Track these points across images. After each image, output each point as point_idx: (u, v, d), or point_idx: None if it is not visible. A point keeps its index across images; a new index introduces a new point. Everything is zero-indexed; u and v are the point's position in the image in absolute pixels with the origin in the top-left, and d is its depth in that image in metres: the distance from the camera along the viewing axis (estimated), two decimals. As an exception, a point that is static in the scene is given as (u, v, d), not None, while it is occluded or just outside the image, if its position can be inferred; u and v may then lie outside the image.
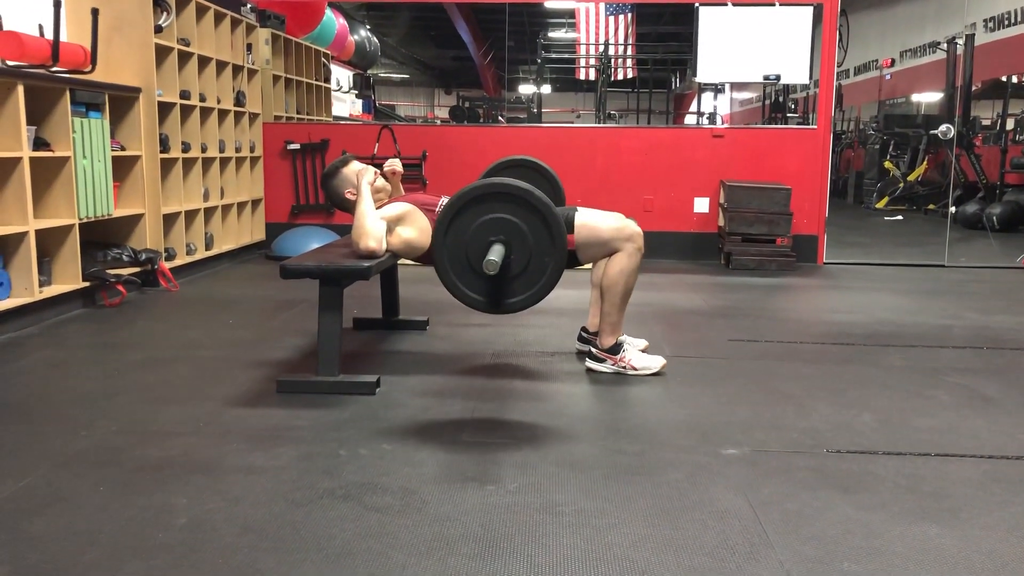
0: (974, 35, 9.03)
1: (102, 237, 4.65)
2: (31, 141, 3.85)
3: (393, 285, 3.91)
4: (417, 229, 3.12)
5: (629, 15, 14.50)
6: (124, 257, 4.57)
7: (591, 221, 3.10)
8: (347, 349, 3.32)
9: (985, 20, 9.66)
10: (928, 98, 12.46)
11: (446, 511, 1.98)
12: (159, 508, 1.98)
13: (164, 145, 4.97)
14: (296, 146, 6.50)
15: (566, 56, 17.13)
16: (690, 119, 17.58)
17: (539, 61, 13.77)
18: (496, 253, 2.45)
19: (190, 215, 5.31)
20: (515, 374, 3.22)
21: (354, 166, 3.29)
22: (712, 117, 8.73)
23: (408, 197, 3.23)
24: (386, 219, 3.09)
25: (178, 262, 5.10)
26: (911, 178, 10.58)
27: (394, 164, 3.45)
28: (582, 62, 15.75)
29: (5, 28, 4.01)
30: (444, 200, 3.19)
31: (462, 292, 2.64)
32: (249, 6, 6.48)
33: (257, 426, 2.56)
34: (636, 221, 3.19)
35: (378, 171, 3.30)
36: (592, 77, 15.22)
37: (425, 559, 1.75)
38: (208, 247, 5.56)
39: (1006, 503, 2.07)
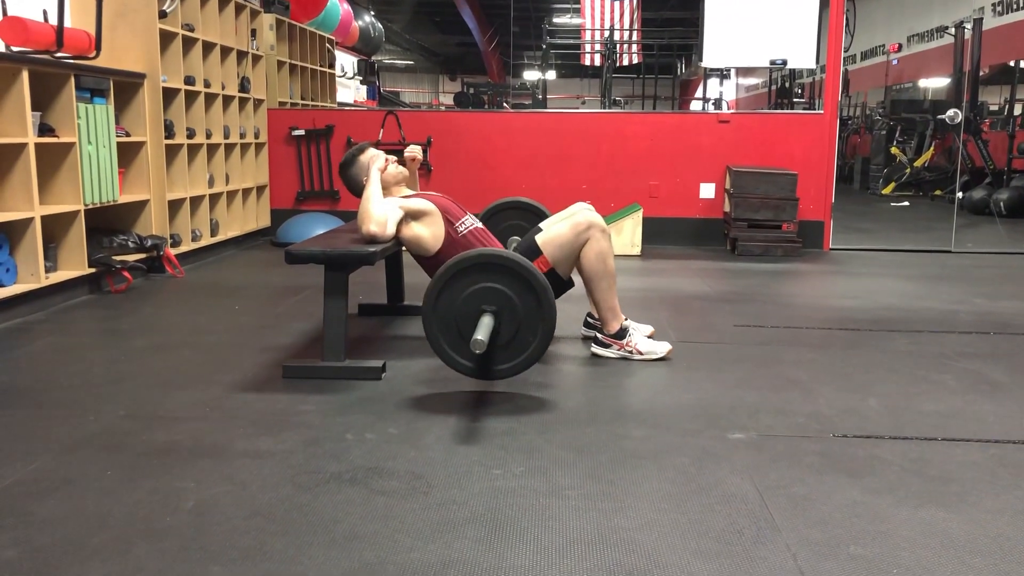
0: (982, 19, 8.96)
1: (107, 223, 4.66)
2: (36, 127, 3.84)
3: (398, 271, 3.91)
4: (431, 233, 3.12)
5: (634, 0, 14.42)
6: (130, 243, 4.58)
7: (550, 235, 3.12)
8: (352, 334, 3.33)
9: (993, 4, 9.59)
10: (935, 83, 12.39)
11: (452, 495, 1.99)
12: (166, 492, 1.99)
13: (169, 131, 4.97)
14: (301, 132, 6.49)
15: (571, 42, 17.06)
16: (696, 105, 17.52)
17: (544, 47, 13.71)
18: (483, 331, 2.47)
19: (195, 201, 5.31)
20: (521, 359, 3.21)
21: (369, 152, 3.29)
22: (718, 103, 8.69)
23: (437, 200, 3.21)
24: (407, 210, 3.08)
25: (183, 248, 5.10)
26: (918, 164, 10.53)
27: (415, 151, 3.47)
28: (587, 48, 15.68)
29: (10, 13, 4.00)
30: (468, 219, 3.20)
31: (451, 359, 2.68)
32: (253, -9, 6.46)
33: (264, 411, 2.57)
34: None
35: (391, 157, 3.30)
36: (597, 63, 15.15)
37: (431, 542, 1.76)
38: (213, 233, 5.56)
39: (1012, 487, 2.06)
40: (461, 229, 3.15)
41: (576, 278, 3.23)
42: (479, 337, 2.43)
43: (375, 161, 3.20)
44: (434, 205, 3.15)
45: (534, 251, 3.10)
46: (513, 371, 2.69)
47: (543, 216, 3.67)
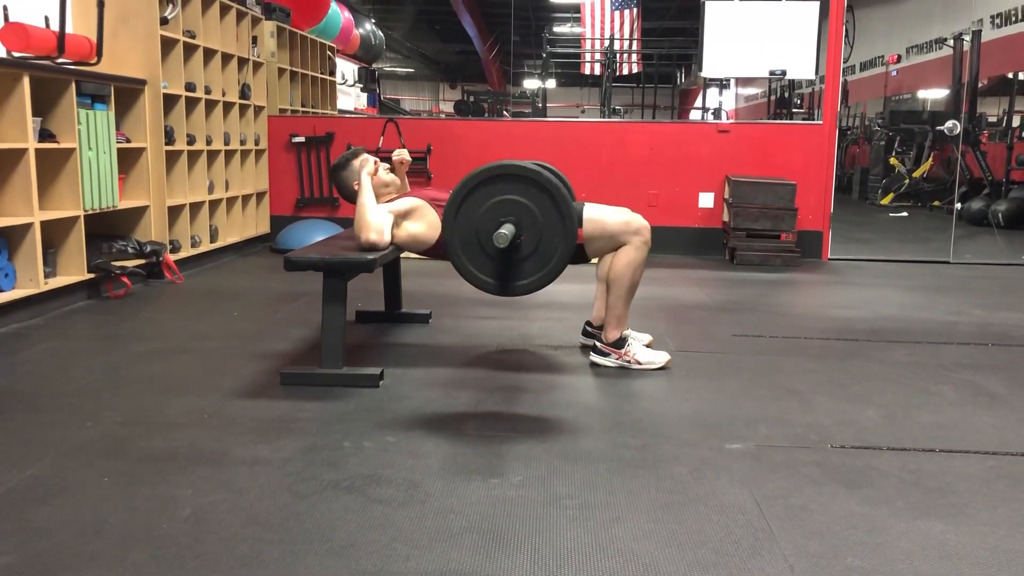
0: (981, 31, 8.99)
1: (107, 229, 4.65)
2: (37, 132, 3.85)
3: (396, 278, 3.91)
4: (425, 224, 3.12)
5: (635, 10, 14.46)
6: (129, 249, 4.58)
7: (599, 215, 3.10)
8: (350, 342, 3.32)
9: (992, 16, 9.62)
10: (934, 94, 12.42)
11: (450, 504, 1.99)
12: (164, 499, 1.99)
13: (169, 137, 4.97)
14: (301, 139, 6.49)
15: (571, 51, 17.09)
16: (695, 114, 17.55)
17: (544, 56, 13.74)
18: (507, 229, 2.45)
19: (195, 207, 5.31)
20: (519, 367, 3.22)
21: (365, 158, 3.29)
22: (717, 112, 8.71)
23: (419, 192, 3.24)
24: (394, 213, 3.09)
25: (183, 254, 5.10)
26: (916, 174, 10.54)
27: (402, 154, 3.46)
28: (587, 57, 15.71)
29: (11, 19, 4.01)
30: None
31: (472, 274, 2.64)
32: (254, -1, 6.48)
33: (261, 418, 2.56)
34: (643, 216, 3.20)
35: (378, 161, 3.29)
36: (597, 72, 15.18)
37: (428, 551, 1.76)
38: (213, 240, 5.56)
39: (1011, 499, 2.06)
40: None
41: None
42: (503, 231, 2.40)
43: (364, 166, 3.20)
44: (418, 198, 3.16)
45: (576, 220, 3.05)
46: (532, 287, 2.64)
47: (560, 179, 3.62)
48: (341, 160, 3.32)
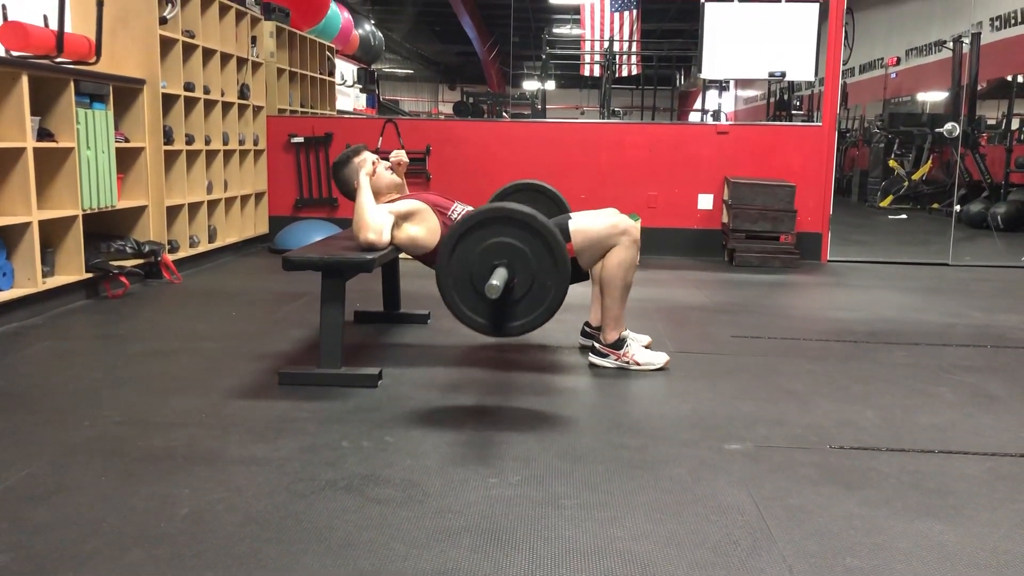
0: (980, 34, 9.00)
1: (105, 229, 4.65)
2: (35, 132, 3.84)
3: (394, 278, 3.91)
4: (426, 228, 3.12)
5: (634, 11, 14.47)
6: (127, 249, 4.57)
7: (584, 225, 3.10)
8: (349, 342, 3.32)
9: (991, 19, 9.63)
10: (933, 97, 12.43)
11: (448, 503, 1.98)
12: (162, 498, 1.98)
13: (168, 137, 4.97)
14: (300, 139, 6.49)
15: (571, 52, 17.10)
16: (694, 116, 17.56)
17: (544, 57, 13.74)
18: (498, 277, 2.47)
19: (193, 208, 5.31)
20: (518, 368, 3.22)
21: (365, 156, 3.28)
22: (716, 114, 8.72)
23: (424, 196, 3.22)
24: (396, 213, 3.09)
25: (181, 254, 5.10)
26: (915, 177, 10.55)
27: (400, 155, 3.45)
28: (587, 58, 15.72)
29: (10, 18, 4.01)
30: (458, 205, 3.21)
31: (465, 315, 2.67)
32: (254, -1, 6.47)
33: (260, 418, 2.56)
34: (638, 215, 3.20)
35: (377, 160, 3.28)
36: (597, 74, 15.19)
37: (427, 551, 1.75)
38: (211, 240, 5.56)
39: (1009, 500, 2.06)
40: (455, 216, 3.14)
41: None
42: (494, 282, 2.41)
43: (362, 166, 3.20)
44: (422, 202, 3.16)
45: (564, 235, 3.05)
46: (525, 328, 2.66)
47: (559, 201, 3.64)
48: (342, 158, 3.31)
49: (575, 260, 3.07)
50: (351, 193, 3.24)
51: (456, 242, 2.61)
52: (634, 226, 3.12)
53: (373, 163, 3.24)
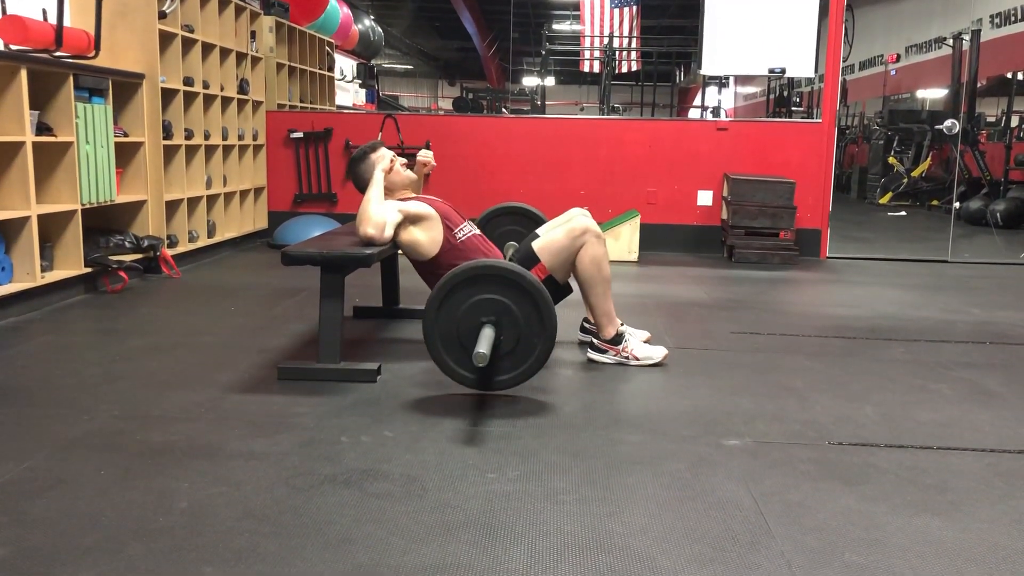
0: (980, 31, 9.00)
1: (104, 223, 4.65)
2: (34, 126, 3.84)
3: (394, 274, 3.91)
4: (430, 237, 3.12)
5: (634, 8, 14.44)
6: (126, 243, 4.57)
7: (547, 242, 3.12)
8: (348, 337, 3.32)
9: (991, 16, 9.62)
10: (933, 94, 12.42)
11: (447, 498, 1.98)
12: (160, 492, 1.98)
13: (167, 132, 4.96)
14: (299, 134, 6.48)
15: (570, 48, 17.08)
16: (694, 112, 17.54)
17: (543, 53, 13.73)
18: (485, 343, 2.47)
19: (192, 202, 5.30)
20: (517, 364, 3.21)
21: (379, 152, 3.27)
22: (716, 111, 8.72)
23: (437, 204, 3.21)
24: (406, 213, 3.08)
25: (180, 249, 5.10)
26: (915, 174, 10.55)
27: (427, 156, 3.46)
28: (586, 54, 15.70)
29: (9, 12, 4.00)
30: (466, 225, 3.21)
31: (452, 369, 2.69)
32: (253, -7, 6.46)
33: (259, 412, 2.56)
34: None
35: (395, 158, 3.28)
36: (596, 70, 15.17)
37: (426, 545, 1.75)
38: (210, 235, 5.55)
39: (1008, 496, 2.06)
40: (460, 235, 3.15)
41: (573, 284, 3.23)
42: (481, 350, 2.43)
43: (380, 162, 3.20)
44: (434, 210, 3.15)
45: (531, 258, 3.10)
46: (514, 381, 2.70)
47: (540, 221, 3.66)
48: (359, 153, 3.30)
49: (551, 278, 3.09)
50: (365, 188, 3.22)
51: (444, 297, 2.64)
52: (592, 223, 3.13)
53: (391, 160, 3.24)
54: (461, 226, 3.19)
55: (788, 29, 6.16)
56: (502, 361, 2.66)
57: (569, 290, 3.23)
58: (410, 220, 3.11)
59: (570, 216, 3.23)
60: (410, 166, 3.40)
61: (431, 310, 2.64)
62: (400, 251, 3.25)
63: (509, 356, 2.66)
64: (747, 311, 4.27)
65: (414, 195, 3.35)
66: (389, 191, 3.22)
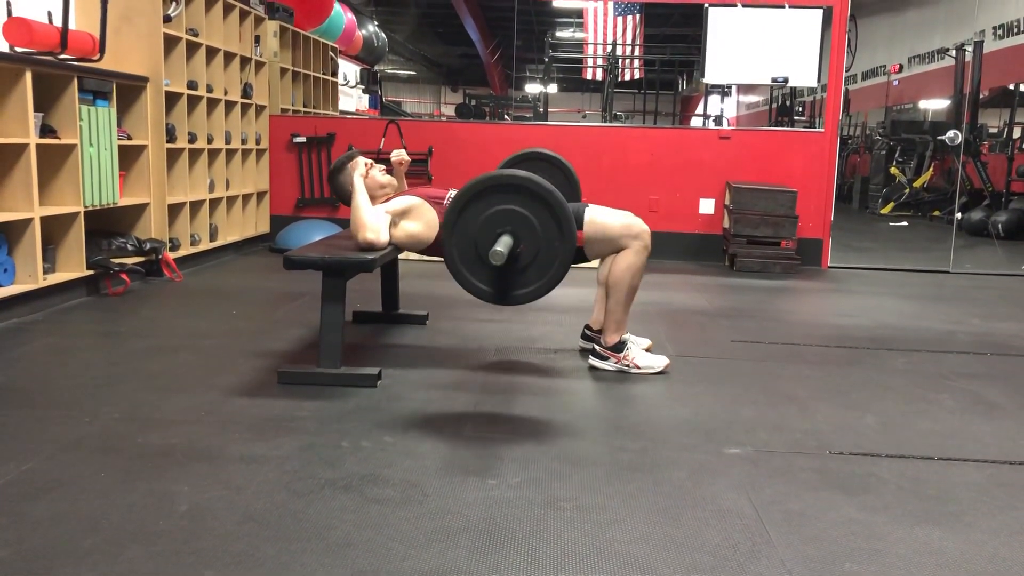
0: (983, 42, 9.01)
1: (107, 226, 4.65)
2: (38, 128, 3.84)
3: (394, 279, 3.91)
4: (423, 222, 3.12)
5: (637, 16, 14.48)
6: (129, 246, 4.57)
7: (600, 218, 3.10)
8: (348, 342, 3.32)
9: (994, 28, 9.64)
10: (935, 104, 12.44)
11: (447, 504, 1.98)
12: (160, 495, 1.98)
13: (170, 135, 4.97)
14: (302, 139, 6.49)
15: (573, 56, 17.11)
16: (696, 121, 17.56)
17: (546, 60, 13.75)
18: (503, 244, 2.44)
19: (195, 206, 5.31)
20: (518, 370, 3.21)
21: (360, 161, 3.29)
22: (718, 119, 8.75)
23: (415, 191, 3.24)
24: (391, 212, 3.09)
25: (182, 252, 5.10)
26: (917, 184, 10.56)
27: (401, 155, 3.46)
28: (589, 62, 15.73)
29: (14, 14, 4.01)
30: (452, 192, 3.20)
31: (470, 283, 2.63)
32: (258, -2, 6.48)
33: (259, 416, 2.56)
34: (644, 220, 3.20)
35: (370, 163, 3.28)
36: (599, 77, 15.20)
37: (425, 551, 1.75)
38: (212, 238, 5.56)
39: (1009, 507, 2.06)
40: (448, 202, 3.13)
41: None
42: (498, 248, 2.39)
43: (356, 168, 3.20)
44: (415, 196, 3.16)
45: (578, 222, 3.03)
46: (531, 296, 2.63)
47: (567, 170, 3.60)
48: (336, 165, 3.33)
49: (580, 249, 3.06)
50: (347, 198, 3.24)
51: (460, 211, 2.58)
52: (647, 231, 3.12)
53: (366, 165, 3.25)
54: (448, 195, 3.18)
55: (791, 38, 6.17)
56: (521, 275, 2.59)
57: (585, 259, 3.16)
58: (398, 216, 3.11)
59: (630, 215, 3.19)
60: (388, 171, 3.40)
61: (449, 225, 2.58)
62: (402, 252, 3.25)
63: (530, 268, 2.58)
64: (748, 320, 4.27)
65: (394, 194, 3.34)
66: (371, 198, 3.22)
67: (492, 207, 2.57)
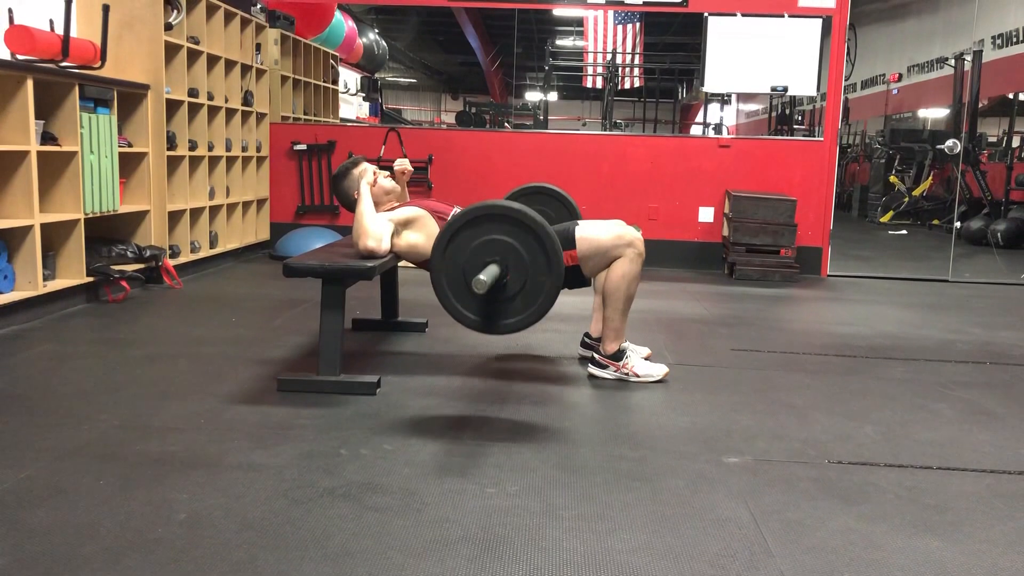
0: (982, 52, 9.03)
1: (107, 233, 4.65)
2: (39, 135, 3.85)
3: (393, 286, 3.91)
4: (425, 235, 3.13)
5: (637, 24, 14.52)
6: (128, 253, 4.57)
7: (590, 233, 3.10)
8: (347, 349, 3.32)
9: (993, 37, 9.67)
10: (934, 113, 12.46)
11: (446, 512, 1.98)
12: (159, 503, 1.98)
13: (171, 143, 4.98)
14: (303, 147, 6.50)
15: (573, 64, 17.15)
16: (696, 129, 17.60)
17: (546, 68, 13.78)
18: (487, 273, 2.46)
19: (195, 213, 5.32)
20: (517, 378, 3.21)
21: (361, 167, 3.31)
22: (718, 127, 8.77)
23: (422, 202, 3.24)
24: (395, 221, 3.10)
25: (182, 260, 5.10)
26: (916, 193, 10.57)
27: (403, 164, 3.48)
28: (589, 70, 15.76)
29: (16, 22, 4.02)
30: (457, 209, 3.21)
31: (457, 311, 2.65)
32: (259, 6, 6.50)
33: (258, 424, 2.56)
34: (639, 227, 3.20)
35: (378, 171, 3.31)
36: (599, 85, 15.24)
37: (424, 560, 1.75)
38: (212, 246, 5.56)
39: (1008, 517, 2.06)
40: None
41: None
42: (482, 277, 2.41)
43: (364, 175, 3.23)
44: (420, 208, 3.17)
45: (569, 241, 3.05)
46: (517, 326, 2.64)
47: (568, 204, 3.63)
48: (341, 170, 3.35)
49: (578, 267, 3.08)
50: (351, 204, 3.26)
51: (449, 239, 2.60)
52: (640, 239, 3.13)
53: (374, 173, 3.27)
54: (452, 212, 3.19)
55: (790, 47, 6.18)
56: (508, 304, 2.61)
57: (587, 283, 3.20)
58: (401, 225, 3.12)
59: (621, 224, 3.21)
60: (392, 178, 3.42)
61: (438, 252, 2.61)
62: (402, 261, 3.26)
63: (516, 297, 2.60)
64: (748, 328, 4.27)
65: (398, 203, 3.36)
66: (375, 205, 3.23)
67: (481, 236, 2.59)
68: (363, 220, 3.05)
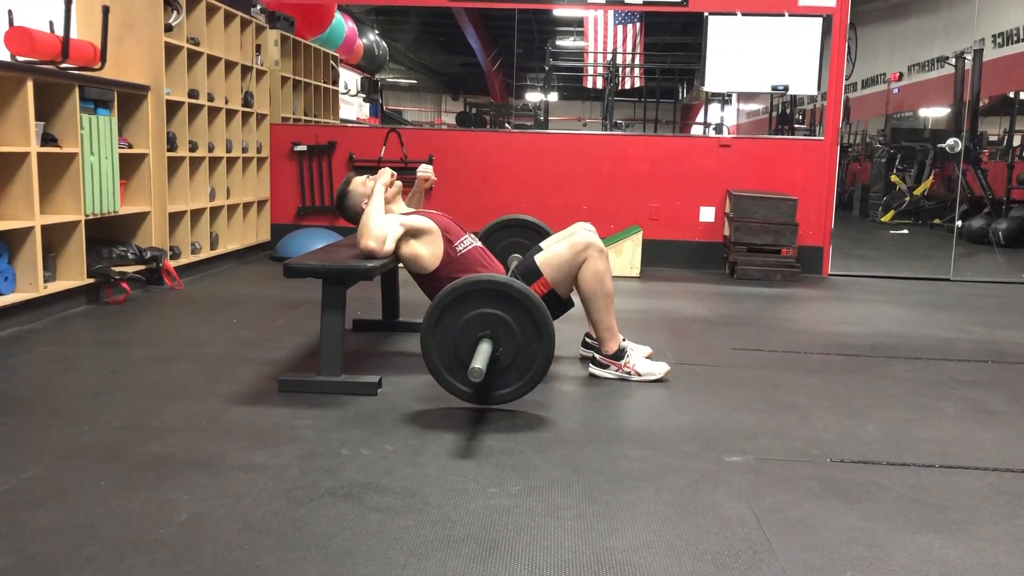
0: (982, 50, 9.02)
1: (108, 234, 4.65)
2: (39, 137, 3.85)
3: (394, 287, 3.91)
4: (430, 251, 3.13)
5: (637, 24, 14.51)
6: (129, 255, 4.57)
7: (550, 255, 3.12)
8: (348, 350, 3.32)
9: (994, 36, 9.66)
10: (935, 113, 12.45)
11: (447, 512, 1.98)
12: (160, 504, 1.98)
13: (171, 144, 4.98)
14: (303, 148, 6.50)
15: (574, 64, 17.14)
16: (697, 129, 17.59)
17: (547, 69, 13.78)
18: (481, 359, 2.47)
19: (196, 214, 5.32)
20: (518, 378, 3.20)
21: (360, 179, 3.33)
22: (719, 127, 8.76)
23: (438, 218, 3.22)
24: (407, 227, 3.09)
25: (183, 261, 5.10)
26: (917, 192, 10.56)
27: (427, 171, 3.49)
28: (590, 70, 15.76)
29: (16, 24, 4.02)
30: (467, 237, 3.21)
31: (451, 384, 2.69)
32: (259, 7, 6.49)
33: (259, 424, 2.56)
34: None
35: (394, 173, 3.32)
36: (599, 86, 15.23)
37: (426, 560, 1.75)
38: (213, 247, 5.56)
39: (1011, 516, 2.05)
40: (460, 248, 3.15)
41: (575, 299, 3.23)
42: (477, 365, 2.43)
43: (381, 175, 3.23)
44: (435, 224, 3.16)
45: (534, 272, 3.10)
46: (511, 396, 2.69)
47: (544, 234, 3.66)
48: (341, 191, 3.37)
49: (553, 292, 3.10)
50: (358, 218, 3.23)
51: (440, 314, 2.64)
52: (595, 237, 3.13)
53: (392, 175, 3.28)
54: (462, 239, 3.19)
55: (791, 47, 6.18)
56: (501, 375, 2.66)
57: (571, 304, 3.22)
58: (411, 234, 3.12)
59: (573, 231, 3.24)
60: (411, 181, 3.43)
61: (428, 327, 2.65)
62: (401, 264, 3.26)
63: (508, 370, 2.66)
64: (749, 327, 4.26)
65: (415, 210, 3.37)
66: (385, 203, 3.24)
67: (470, 311, 2.62)
68: (368, 219, 3.05)
